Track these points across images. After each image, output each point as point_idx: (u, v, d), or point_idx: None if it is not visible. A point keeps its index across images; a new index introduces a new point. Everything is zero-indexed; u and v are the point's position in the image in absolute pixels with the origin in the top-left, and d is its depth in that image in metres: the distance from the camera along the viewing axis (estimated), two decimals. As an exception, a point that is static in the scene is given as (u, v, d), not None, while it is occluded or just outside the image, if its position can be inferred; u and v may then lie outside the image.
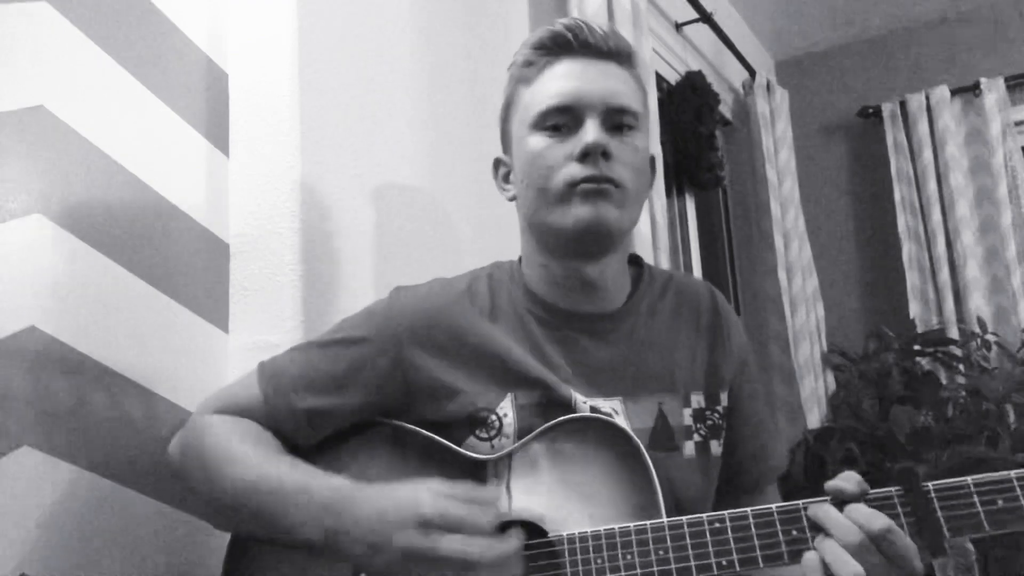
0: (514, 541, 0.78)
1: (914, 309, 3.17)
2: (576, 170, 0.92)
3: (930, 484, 0.76)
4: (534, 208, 0.97)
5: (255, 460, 0.89)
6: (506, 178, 1.05)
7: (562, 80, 0.95)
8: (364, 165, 1.35)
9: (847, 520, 0.75)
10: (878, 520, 0.74)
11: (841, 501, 0.77)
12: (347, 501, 0.82)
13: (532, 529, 0.86)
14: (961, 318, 3.09)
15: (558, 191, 0.93)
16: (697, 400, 1.00)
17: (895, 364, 2.77)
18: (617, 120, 0.95)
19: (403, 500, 0.79)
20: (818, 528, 0.77)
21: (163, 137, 1.14)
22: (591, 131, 0.92)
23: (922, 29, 3.45)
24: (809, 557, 0.76)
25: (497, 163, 1.07)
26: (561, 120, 0.94)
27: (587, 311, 1.00)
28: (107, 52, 1.07)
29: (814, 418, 2.88)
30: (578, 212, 0.92)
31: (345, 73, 1.34)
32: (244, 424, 0.94)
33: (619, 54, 0.98)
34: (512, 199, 1.05)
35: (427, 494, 0.79)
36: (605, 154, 0.92)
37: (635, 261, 1.09)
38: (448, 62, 1.60)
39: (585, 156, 0.92)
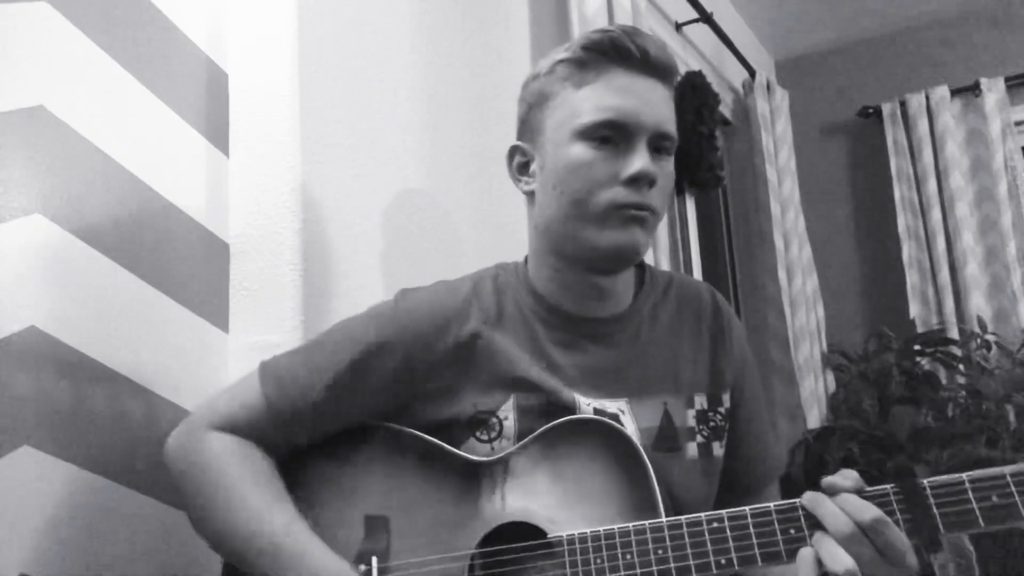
0: None
1: (914, 309, 3.17)
2: (622, 194, 0.92)
3: (925, 480, 0.76)
4: (564, 217, 0.95)
5: (253, 509, 0.88)
6: (522, 169, 1.02)
7: (622, 96, 0.93)
8: (364, 165, 1.35)
9: (839, 509, 0.75)
10: (869, 511, 0.74)
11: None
12: None
13: (532, 530, 0.86)
14: (961, 318, 3.09)
15: (599, 210, 0.92)
16: (700, 401, 1.00)
17: (895, 364, 2.77)
18: (660, 144, 0.95)
19: None
20: (815, 526, 0.77)
21: (163, 137, 1.14)
22: (642, 158, 0.91)
23: (922, 29, 3.45)
24: (804, 553, 0.76)
25: (513, 151, 1.03)
26: (611, 134, 0.92)
27: (593, 315, 1.00)
28: (107, 52, 1.07)
29: (814, 418, 2.88)
30: (615, 236, 0.92)
31: (345, 73, 1.34)
32: (245, 455, 0.93)
33: (668, 73, 0.97)
34: (528, 193, 1.01)
35: None
36: (651, 183, 0.92)
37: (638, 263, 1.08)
38: (448, 62, 1.60)
39: (633, 182, 0.92)
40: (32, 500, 0.91)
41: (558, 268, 0.99)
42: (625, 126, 0.92)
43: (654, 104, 0.94)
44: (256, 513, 0.88)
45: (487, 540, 0.88)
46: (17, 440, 0.91)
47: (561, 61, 0.97)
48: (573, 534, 0.83)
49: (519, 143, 1.02)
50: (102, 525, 0.98)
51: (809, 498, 0.78)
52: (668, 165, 0.97)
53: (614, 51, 0.94)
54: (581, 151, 0.93)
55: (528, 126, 1.01)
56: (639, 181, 0.91)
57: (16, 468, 0.90)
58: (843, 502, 0.76)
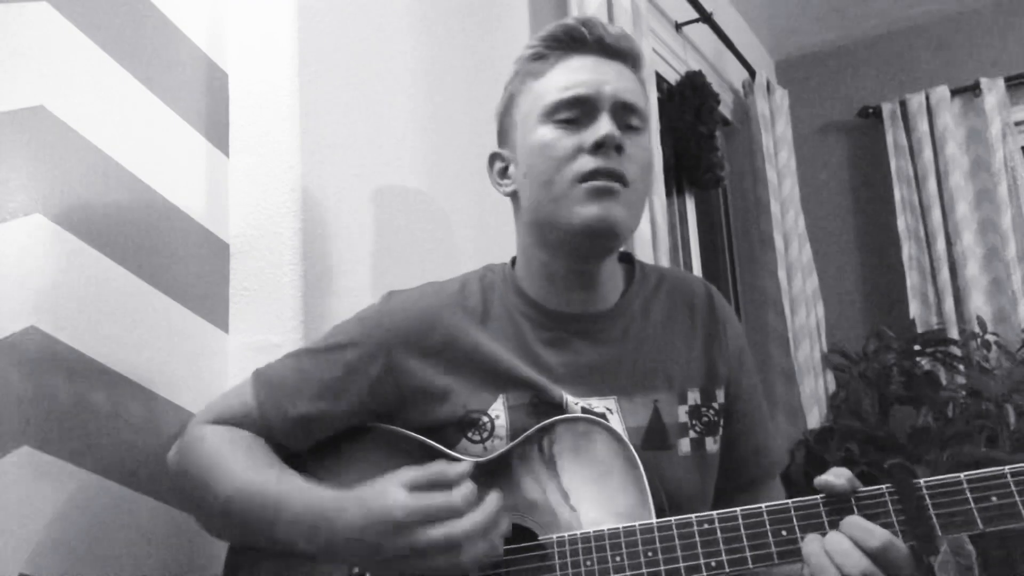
0: (492, 497, 0.79)
1: (914, 309, 3.17)
2: (588, 162, 0.91)
3: (922, 481, 0.74)
4: (538, 203, 0.95)
5: (244, 469, 0.89)
6: (502, 173, 1.03)
7: (576, 73, 0.94)
8: (364, 165, 1.35)
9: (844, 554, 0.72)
10: (877, 536, 0.72)
11: (834, 503, 0.76)
12: (334, 513, 0.81)
13: (522, 531, 0.86)
14: (961, 318, 3.09)
15: (566, 185, 0.92)
16: (693, 397, 1.00)
17: (895, 364, 2.77)
18: (627, 119, 0.95)
19: (378, 510, 0.78)
20: (808, 528, 0.76)
21: (163, 137, 1.14)
22: (605, 124, 0.92)
23: (922, 29, 3.45)
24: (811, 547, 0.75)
25: (493, 158, 1.05)
26: (573, 114, 0.93)
27: (580, 312, 0.99)
28: (107, 52, 1.07)
29: (814, 418, 2.88)
30: (586, 211, 0.91)
31: (345, 73, 1.34)
32: (237, 433, 0.95)
33: (629, 56, 0.98)
34: (510, 194, 1.02)
35: (398, 495, 0.77)
36: (618, 148, 0.92)
37: (626, 259, 1.07)
38: (448, 62, 1.60)
39: (598, 148, 0.91)
40: (32, 500, 0.91)
41: (544, 262, 0.99)
42: (585, 100, 0.93)
43: (613, 79, 0.95)
44: (252, 471, 0.89)
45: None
46: (17, 440, 0.91)
47: (523, 59, 1.00)
48: (563, 536, 0.83)
49: (497, 150, 1.04)
50: (102, 525, 0.98)
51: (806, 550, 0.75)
52: (641, 139, 0.96)
53: (568, 39, 0.96)
54: (544, 132, 0.94)
55: (502, 132, 1.04)
56: (604, 147, 0.91)
57: (16, 468, 0.90)
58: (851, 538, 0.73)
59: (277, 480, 0.88)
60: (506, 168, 1.03)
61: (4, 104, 0.94)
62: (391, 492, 0.78)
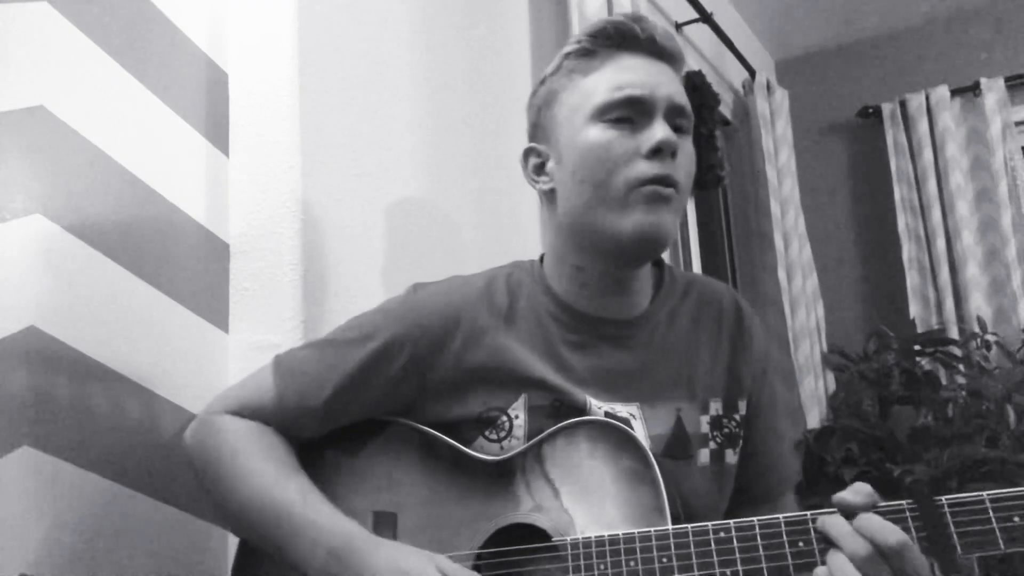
0: None
1: (914, 309, 3.17)
2: (645, 168, 0.89)
3: (944, 499, 0.72)
4: (586, 206, 0.92)
5: (268, 481, 0.89)
6: (538, 169, 0.99)
7: (633, 72, 0.92)
8: (364, 165, 1.35)
9: (857, 534, 0.71)
10: (893, 535, 0.70)
11: (851, 514, 0.74)
12: (357, 552, 0.82)
13: (537, 533, 0.86)
14: (961, 318, 3.09)
15: (622, 191, 0.90)
16: (715, 407, 0.98)
17: (895, 364, 2.77)
18: (677, 121, 0.93)
19: (414, 568, 0.79)
20: (828, 541, 0.74)
21: (163, 137, 1.14)
22: (662, 128, 0.90)
23: (922, 29, 3.45)
24: (818, 572, 0.73)
25: (528, 153, 1.00)
26: (628, 113, 0.91)
27: (609, 316, 0.98)
28: (107, 52, 1.07)
29: (814, 418, 2.88)
30: (640, 219, 0.90)
31: (345, 73, 1.34)
32: (259, 433, 0.93)
33: (676, 57, 0.97)
34: (548, 191, 0.98)
35: (435, 570, 0.79)
36: (674, 154, 0.91)
37: (656, 262, 1.05)
38: (448, 63, 1.60)
39: (656, 153, 0.89)
40: (32, 500, 0.91)
41: (580, 266, 0.97)
42: (640, 101, 0.91)
43: (666, 80, 0.93)
44: (271, 484, 0.88)
45: (492, 540, 0.88)
46: (17, 440, 0.90)
47: (568, 55, 0.96)
48: (577, 538, 0.82)
49: (533, 144, 1.01)
50: (102, 525, 0.98)
51: (822, 523, 0.74)
52: (688, 144, 0.95)
53: (619, 36, 0.94)
54: (598, 133, 0.91)
55: (540, 127, 0.99)
56: (661, 152, 0.89)
57: (16, 468, 0.90)
58: (866, 523, 0.72)
59: (303, 497, 0.87)
60: (542, 164, 0.99)
61: (4, 104, 0.94)
62: (432, 562, 0.80)
